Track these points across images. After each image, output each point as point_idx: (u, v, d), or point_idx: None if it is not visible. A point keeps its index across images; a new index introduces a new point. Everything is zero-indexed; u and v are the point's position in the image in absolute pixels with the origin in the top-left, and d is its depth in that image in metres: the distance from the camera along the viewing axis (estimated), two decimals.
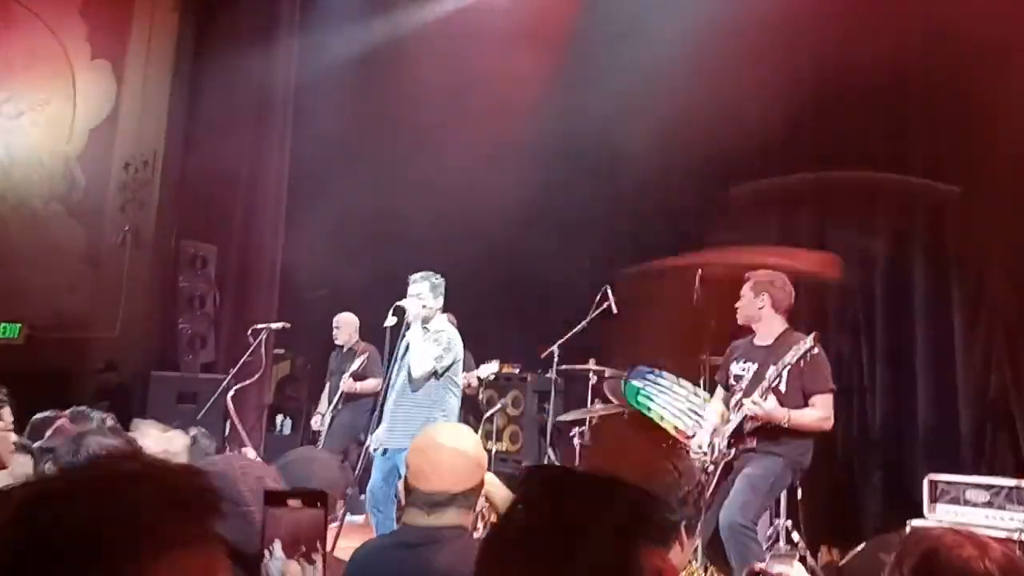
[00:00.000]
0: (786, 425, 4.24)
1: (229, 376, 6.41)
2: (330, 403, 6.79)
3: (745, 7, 6.09)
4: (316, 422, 6.92)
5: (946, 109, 5.61)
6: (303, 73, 7.87)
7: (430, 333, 4.86)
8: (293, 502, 1.13)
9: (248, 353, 6.47)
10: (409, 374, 4.78)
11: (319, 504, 1.15)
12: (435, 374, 4.82)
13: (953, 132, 5.58)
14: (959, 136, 5.54)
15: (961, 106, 5.49)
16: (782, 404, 4.26)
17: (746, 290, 4.60)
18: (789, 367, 4.19)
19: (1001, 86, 5.23)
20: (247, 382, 6.59)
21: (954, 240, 5.56)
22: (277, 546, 1.11)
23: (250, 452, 2.92)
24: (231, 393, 6.35)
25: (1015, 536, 4.27)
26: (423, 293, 4.93)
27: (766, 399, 4.20)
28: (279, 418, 8.16)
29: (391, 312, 4.90)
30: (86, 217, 8.06)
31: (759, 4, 6.03)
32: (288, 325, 6.82)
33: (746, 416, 4.27)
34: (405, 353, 4.83)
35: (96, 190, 8.04)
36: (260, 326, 6.62)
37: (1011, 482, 4.52)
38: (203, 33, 8.10)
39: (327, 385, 7.07)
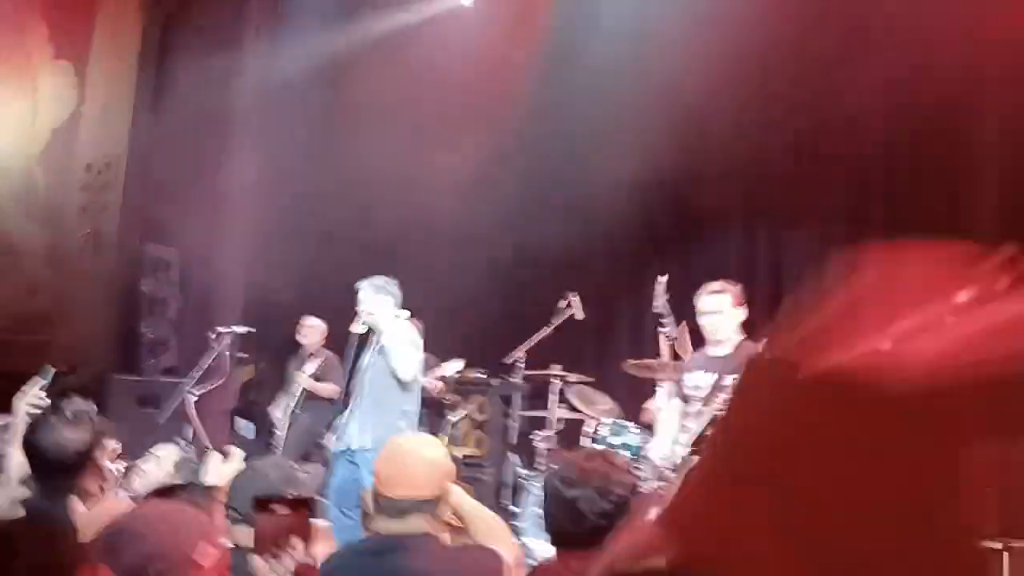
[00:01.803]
0: None
1: (192, 380, 6.37)
2: (288, 405, 6.79)
3: (720, 41, 6.26)
4: (275, 418, 6.90)
5: (900, 141, 5.81)
6: (271, 77, 7.85)
7: (396, 336, 4.86)
8: (279, 508, 1.18)
9: (211, 357, 6.44)
10: (397, 380, 4.79)
11: (303, 508, 1.20)
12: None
13: (905, 165, 5.80)
14: (912, 165, 5.75)
15: (915, 138, 5.70)
16: None
17: (725, 304, 4.50)
18: None
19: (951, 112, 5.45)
20: (210, 386, 6.56)
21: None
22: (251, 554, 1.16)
23: (216, 457, 2.95)
24: (194, 397, 6.32)
25: None
26: (367, 299, 4.96)
27: None
28: (242, 423, 8.12)
29: (361, 321, 4.91)
30: (46, 219, 7.96)
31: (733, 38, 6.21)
32: (252, 329, 6.80)
33: (711, 420, 4.35)
34: (372, 357, 4.82)
35: (57, 191, 7.94)
36: (224, 330, 6.60)
37: None
38: (169, 36, 8.04)
39: (285, 388, 7.07)
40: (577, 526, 2.00)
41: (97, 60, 8.10)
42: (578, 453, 2.12)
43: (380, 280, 5.04)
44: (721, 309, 4.51)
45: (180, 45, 8.01)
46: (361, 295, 5.00)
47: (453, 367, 6.00)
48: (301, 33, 7.81)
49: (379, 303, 4.94)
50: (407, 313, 4.94)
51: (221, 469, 2.73)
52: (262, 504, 1.18)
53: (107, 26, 8.13)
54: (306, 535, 1.18)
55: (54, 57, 8.31)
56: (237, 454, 2.83)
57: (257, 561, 1.14)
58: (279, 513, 1.16)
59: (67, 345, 7.19)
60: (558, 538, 2.04)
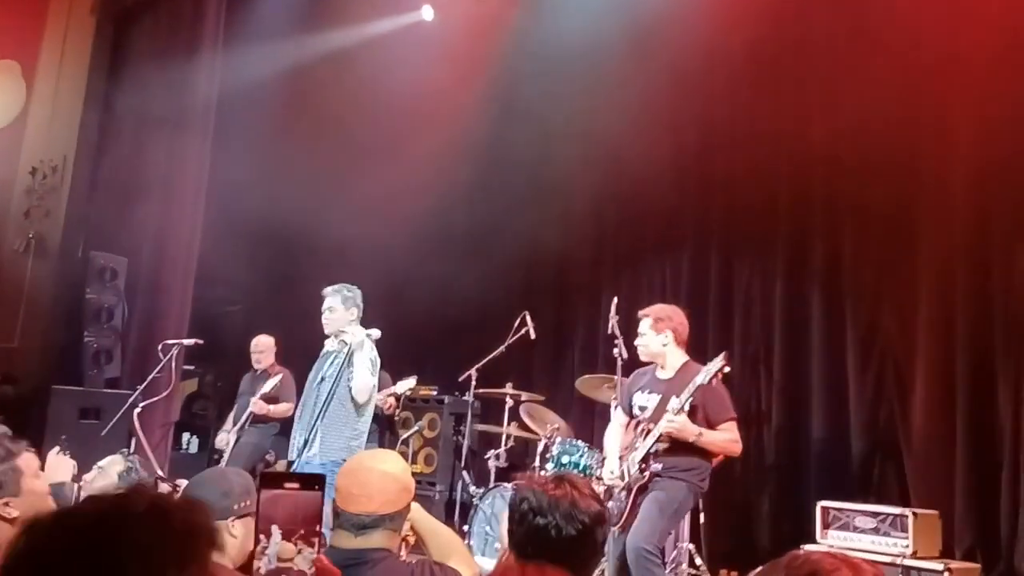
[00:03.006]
0: (696, 441, 4.40)
1: (136, 392, 6.25)
2: (235, 423, 6.69)
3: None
4: (220, 441, 6.80)
5: (842, 169, 6.01)
6: (226, 85, 7.78)
7: (364, 354, 4.76)
8: (290, 484, 1.15)
9: (157, 369, 6.32)
10: (353, 399, 4.71)
11: (317, 487, 1.17)
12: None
13: (848, 187, 5.99)
14: (854, 190, 5.95)
15: (857, 169, 5.90)
16: None
17: (646, 328, 4.65)
18: (700, 386, 4.38)
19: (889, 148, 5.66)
20: (155, 399, 6.44)
21: (849, 281, 5.94)
22: (275, 531, 1.13)
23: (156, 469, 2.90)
24: (137, 409, 6.20)
25: (897, 561, 4.58)
26: (335, 307, 4.86)
27: (679, 415, 4.37)
28: (185, 436, 7.97)
29: (335, 337, 4.82)
30: None
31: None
32: (200, 342, 6.70)
33: (659, 437, 4.42)
34: (337, 374, 4.71)
35: None
36: (171, 342, 6.49)
37: (896, 510, 4.82)
38: (122, 39, 7.90)
39: (236, 405, 6.97)
40: (543, 548, 2.08)
41: (47, 60, 7.92)
42: (546, 479, 2.18)
43: (347, 290, 4.93)
44: (644, 331, 4.65)
45: (133, 48, 7.89)
46: (329, 302, 4.90)
47: (406, 385, 5.98)
48: (259, 42, 7.75)
49: (346, 315, 4.86)
50: (377, 333, 4.77)
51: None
52: (270, 480, 1.13)
53: (58, 26, 7.96)
54: (318, 521, 1.15)
55: (0, 56, 8.11)
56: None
57: (287, 547, 1.11)
58: (290, 489, 1.12)
59: (7, 354, 6.98)
60: (521, 554, 2.10)
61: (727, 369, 4.36)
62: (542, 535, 2.06)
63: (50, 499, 2.54)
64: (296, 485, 1.16)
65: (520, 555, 2.10)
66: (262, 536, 1.14)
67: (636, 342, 4.70)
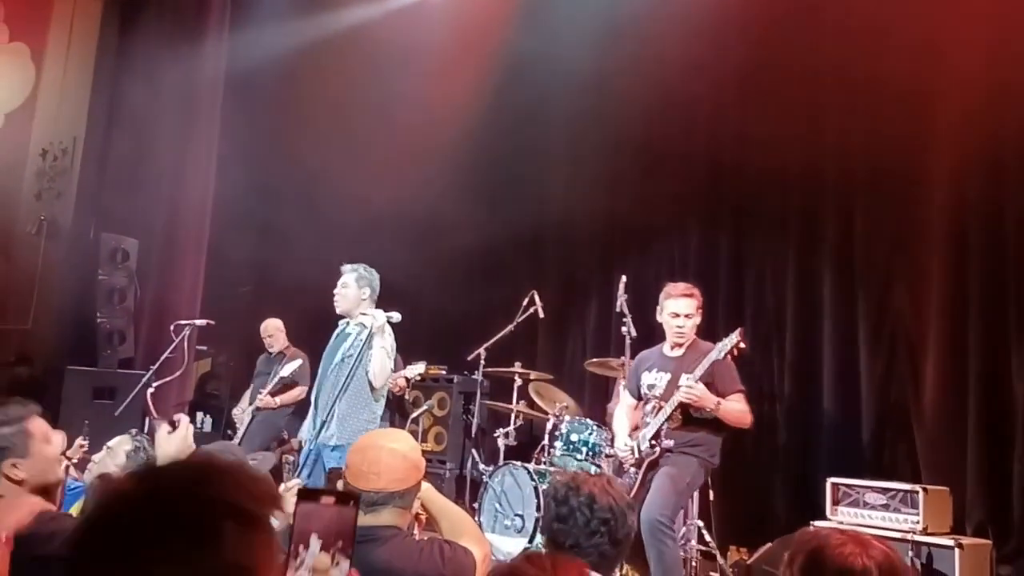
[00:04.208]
0: (715, 410, 4.41)
1: (150, 372, 6.30)
2: (251, 403, 6.74)
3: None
4: (237, 415, 6.85)
5: (854, 146, 5.95)
6: (234, 66, 7.77)
7: (384, 339, 4.72)
8: (326, 499, 1.18)
9: (170, 349, 6.37)
10: (369, 383, 4.68)
11: (351, 503, 1.20)
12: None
13: (860, 166, 5.94)
14: (866, 166, 5.90)
15: (869, 145, 5.84)
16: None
17: (693, 309, 4.62)
18: (715, 362, 4.38)
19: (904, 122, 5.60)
20: (168, 379, 6.49)
21: (861, 257, 5.90)
22: (314, 540, 1.16)
23: (163, 428, 2.90)
24: (151, 389, 6.25)
25: (908, 537, 4.58)
26: (349, 284, 4.86)
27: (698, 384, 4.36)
28: (199, 415, 8.03)
29: (353, 319, 4.79)
30: None
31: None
32: (212, 322, 6.74)
33: (672, 412, 4.42)
34: (358, 356, 4.64)
35: (10, 177, 7.75)
36: (183, 322, 6.53)
37: (906, 486, 4.81)
38: (129, 21, 7.89)
39: (251, 385, 7.01)
40: (575, 529, 2.22)
41: (55, 43, 7.93)
42: (581, 472, 2.38)
43: (364, 270, 4.90)
44: (691, 312, 4.61)
45: (141, 29, 7.88)
46: (344, 279, 4.88)
47: (415, 370, 5.99)
48: (265, 22, 7.73)
49: (358, 293, 4.83)
50: (397, 316, 4.68)
51: (170, 440, 2.69)
52: (308, 494, 1.16)
53: (66, 8, 7.96)
54: (354, 536, 1.16)
55: (9, 39, 8.12)
56: (184, 422, 2.77)
57: (323, 558, 1.13)
58: (325, 505, 1.15)
59: (21, 335, 7.05)
60: (553, 539, 2.21)
61: (742, 345, 4.35)
62: (572, 518, 2.20)
63: (59, 465, 2.57)
64: (332, 500, 1.20)
65: (550, 541, 2.20)
66: (300, 547, 1.16)
67: (677, 323, 4.61)
